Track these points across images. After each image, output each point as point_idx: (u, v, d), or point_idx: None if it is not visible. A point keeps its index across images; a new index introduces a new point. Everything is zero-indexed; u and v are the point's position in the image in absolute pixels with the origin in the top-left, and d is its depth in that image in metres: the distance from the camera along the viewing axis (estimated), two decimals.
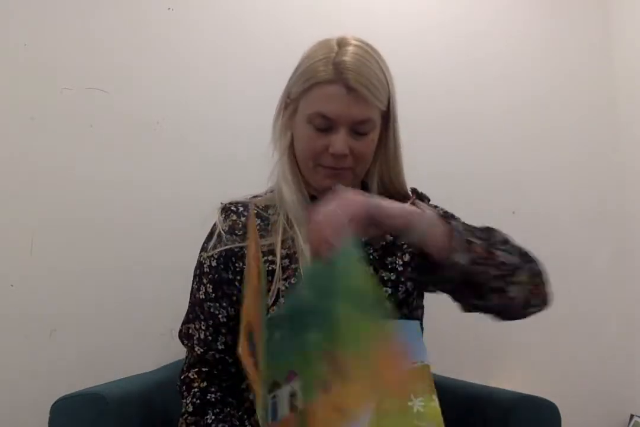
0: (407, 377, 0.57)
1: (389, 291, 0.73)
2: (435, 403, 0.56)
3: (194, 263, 0.79)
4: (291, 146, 0.78)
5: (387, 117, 0.76)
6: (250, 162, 1.10)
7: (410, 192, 0.82)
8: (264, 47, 1.25)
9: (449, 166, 1.32)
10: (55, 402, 0.71)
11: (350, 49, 0.72)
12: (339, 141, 0.71)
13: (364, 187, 0.80)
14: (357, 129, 0.72)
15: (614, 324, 1.41)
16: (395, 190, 0.81)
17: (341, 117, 0.71)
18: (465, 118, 1.38)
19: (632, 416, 1.35)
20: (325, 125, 0.72)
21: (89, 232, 1.14)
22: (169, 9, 1.24)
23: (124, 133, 1.18)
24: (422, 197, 0.83)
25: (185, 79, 1.23)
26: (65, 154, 1.15)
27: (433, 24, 1.40)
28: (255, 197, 0.82)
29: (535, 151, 1.42)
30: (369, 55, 0.73)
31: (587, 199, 1.44)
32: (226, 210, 0.79)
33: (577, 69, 1.48)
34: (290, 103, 0.77)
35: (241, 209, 0.79)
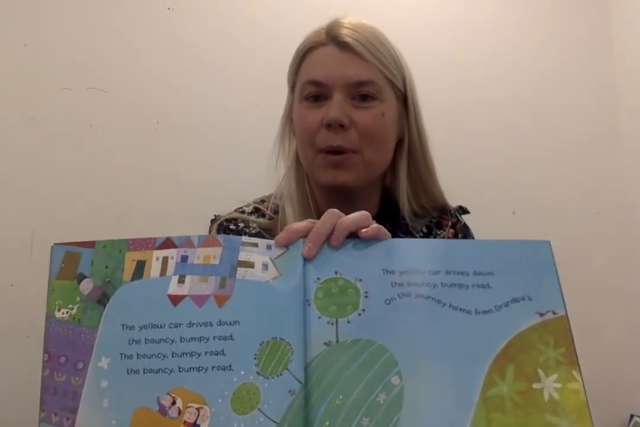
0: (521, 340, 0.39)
1: None
2: (577, 384, 0.39)
3: None
4: (297, 160, 0.68)
5: (406, 103, 0.66)
6: (251, 163, 1.10)
7: (447, 204, 0.71)
8: (265, 47, 1.25)
9: (448, 165, 1.32)
10: None
11: (346, 19, 0.64)
12: (333, 106, 0.59)
13: (390, 196, 0.69)
14: (356, 93, 0.60)
15: (614, 323, 1.41)
16: (430, 201, 0.69)
17: (333, 78, 0.59)
18: (465, 116, 1.38)
19: (632, 416, 1.35)
20: (318, 93, 0.61)
21: (89, 232, 1.14)
22: (169, 9, 1.24)
23: (124, 133, 1.18)
24: (464, 212, 0.74)
25: (185, 79, 1.23)
26: (65, 154, 1.15)
27: (436, 18, 1.39)
28: (262, 201, 0.71)
29: (536, 152, 1.42)
30: (368, 25, 0.64)
31: (588, 199, 1.44)
32: (224, 229, 0.67)
33: (578, 64, 1.48)
34: (289, 97, 0.70)
35: (242, 225, 0.67)
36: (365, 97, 0.61)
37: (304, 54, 0.65)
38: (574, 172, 1.44)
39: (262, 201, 0.71)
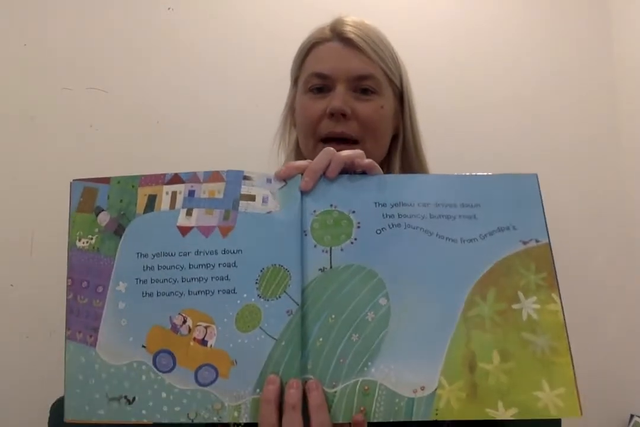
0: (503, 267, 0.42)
1: None
2: (556, 306, 0.41)
3: None
4: (297, 148, 0.72)
5: (402, 100, 0.69)
6: (251, 163, 1.10)
7: None
8: (265, 47, 1.25)
9: (448, 165, 1.32)
10: (55, 402, 0.71)
11: (349, 17, 0.68)
12: (336, 96, 0.62)
13: None
14: (358, 86, 0.64)
15: (614, 323, 1.41)
16: None
17: (337, 71, 0.63)
18: (465, 116, 1.38)
19: (632, 416, 1.35)
20: (322, 85, 0.64)
21: None
22: (169, 9, 1.24)
23: (124, 133, 1.18)
24: None
25: (185, 79, 1.23)
26: (65, 154, 1.15)
27: (436, 18, 1.39)
28: None
29: (536, 152, 1.42)
30: (369, 25, 0.68)
31: (588, 199, 1.44)
32: None
33: (578, 64, 1.48)
34: (292, 90, 0.72)
35: None
36: (366, 91, 0.64)
37: (309, 49, 0.68)
38: (574, 172, 1.44)
39: None
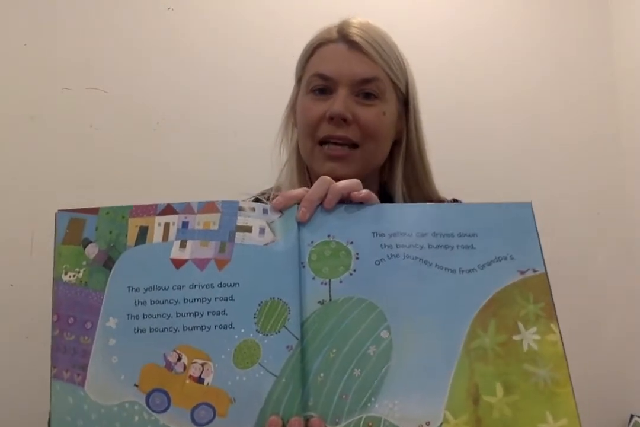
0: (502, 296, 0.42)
1: None
2: (555, 336, 0.41)
3: None
4: (299, 148, 0.71)
5: (407, 105, 0.69)
6: (252, 163, 1.10)
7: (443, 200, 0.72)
8: (266, 47, 1.25)
9: (447, 166, 1.32)
10: None
11: (356, 19, 0.67)
12: (337, 100, 0.61)
13: (386, 192, 0.70)
14: (361, 90, 0.63)
15: (614, 324, 1.41)
16: (424, 199, 0.71)
17: (340, 74, 0.62)
18: (465, 116, 1.38)
19: (632, 416, 1.35)
20: (324, 86, 0.63)
21: None
22: (169, 9, 1.24)
23: (124, 133, 1.18)
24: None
25: (185, 79, 1.23)
26: (65, 154, 1.15)
27: (436, 18, 1.39)
28: (263, 193, 0.74)
29: (535, 149, 1.42)
30: (376, 27, 0.67)
31: (588, 199, 1.44)
32: None
33: (578, 64, 1.48)
34: (295, 89, 0.72)
35: None
36: (368, 95, 0.63)
37: (314, 48, 0.67)
38: (574, 172, 1.44)
39: (263, 193, 0.74)
